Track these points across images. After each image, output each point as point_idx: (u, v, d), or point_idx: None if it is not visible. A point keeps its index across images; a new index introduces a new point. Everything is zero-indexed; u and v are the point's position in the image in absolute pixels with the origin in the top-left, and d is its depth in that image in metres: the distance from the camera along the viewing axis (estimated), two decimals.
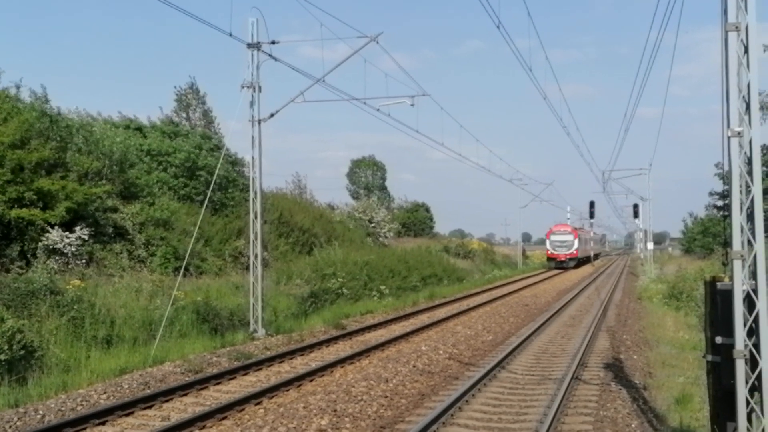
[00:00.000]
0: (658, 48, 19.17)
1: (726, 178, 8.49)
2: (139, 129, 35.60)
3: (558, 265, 73.71)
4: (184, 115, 48.86)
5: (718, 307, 8.51)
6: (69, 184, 23.09)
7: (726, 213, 8.56)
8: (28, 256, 20.97)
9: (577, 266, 75.93)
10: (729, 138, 8.33)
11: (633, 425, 11.77)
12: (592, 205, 66.19)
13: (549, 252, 76.35)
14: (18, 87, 26.09)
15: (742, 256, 8.26)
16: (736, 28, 8.36)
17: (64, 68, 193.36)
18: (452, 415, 12.38)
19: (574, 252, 75.34)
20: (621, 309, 31.71)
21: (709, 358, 8.59)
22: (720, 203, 70.34)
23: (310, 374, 15.87)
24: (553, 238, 76.03)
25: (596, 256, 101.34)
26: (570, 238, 75.43)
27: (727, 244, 8.42)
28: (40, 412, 12.37)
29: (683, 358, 18.11)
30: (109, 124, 34.68)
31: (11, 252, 20.57)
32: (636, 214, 67.36)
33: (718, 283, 8.57)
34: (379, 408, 12.94)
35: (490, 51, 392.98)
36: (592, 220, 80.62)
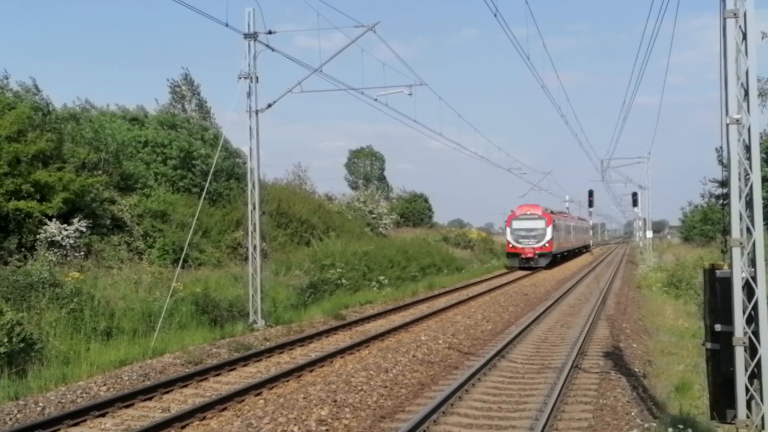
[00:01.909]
0: (656, 36, 19.10)
1: (725, 165, 8.46)
2: (136, 119, 35.55)
3: (523, 263, 51.89)
4: (179, 106, 48.74)
5: (717, 294, 8.50)
6: (66, 175, 23.06)
7: (725, 201, 8.54)
8: (27, 248, 20.94)
9: (551, 265, 53.75)
10: (728, 125, 8.30)
11: (633, 413, 11.78)
12: (591, 193, 66.12)
13: (510, 245, 53.45)
14: (6, 78, 26.03)
15: (741, 243, 8.24)
16: (735, 14, 8.32)
17: (55, 58, 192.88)
18: (452, 405, 12.39)
19: (546, 245, 52.31)
20: (620, 297, 31.75)
21: (709, 345, 8.59)
22: (719, 191, 70.43)
23: (310, 365, 15.89)
24: (516, 225, 53.44)
25: (584, 249, 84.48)
26: (540, 225, 52.78)
27: (726, 231, 8.40)
28: (41, 404, 12.38)
29: (683, 346, 18.13)
30: (107, 114, 34.63)
31: (9, 244, 20.54)
32: (635, 203, 67.33)
33: (717, 271, 8.55)
34: (379, 398, 12.95)
35: (487, 39, 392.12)
36: (591, 209, 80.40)
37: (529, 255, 51.76)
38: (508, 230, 53.68)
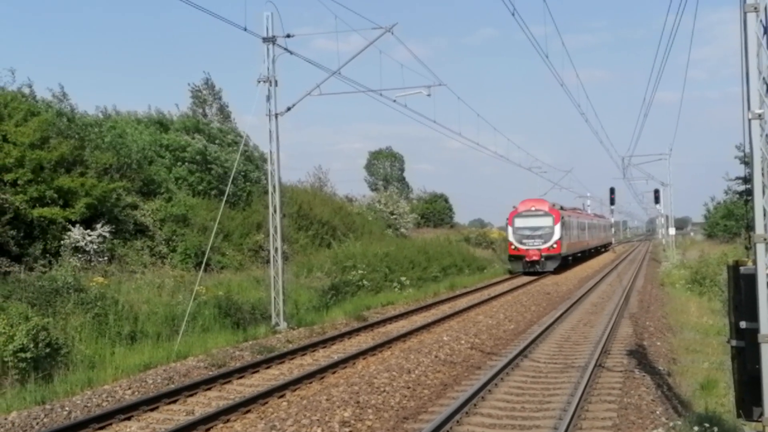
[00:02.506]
0: (676, 31, 18.96)
1: (746, 161, 8.38)
2: (161, 123, 35.83)
3: (527, 268, 44.83)
4: (201, 111, 49.03)
5: (741, 291, 8.42)
6: (88, 180, 23.30)
7: (748, 196, 8.46)
8: (51, 254, 21.17)
9: (561, 269, 47.02)
10: (750, 120, 8.22)
11: (657, 412, 11.70)
12: (612, 191, 65.91)
13: (512, 246, 45.87)
14: (30, 86, 26.32)
15: (765, 239, 8.16)
16: (755, 8, 8.24)
17: (77, 65, 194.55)
18: (475, 405, 12.37)
19: (554, 246, 45.02)
20: (643, 295, 31.53)
21: (734, 343, 8.51)
22: (741, 188, 69.78)
23: (333, 366, 15.92)
24: (519, 223, 45.88)
25: (603, 248, 77.97)
26: (546, 222, 45.45)
27: (749, 227, 8.32)
28: (67, 408, 12.51)
29: (707, 344, 17.98)
30: (132, 120, 34.91)
31: (34, 251, 20.77)
32: (657, 200, 66.87)
33: (741, 268, 8.47)
34: (402, 399, 12.96)
35: (504, 38, 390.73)
36: (613, 207, 79.86)
37: (535, 258, 44.63)
38: (510, 229, 46.13)
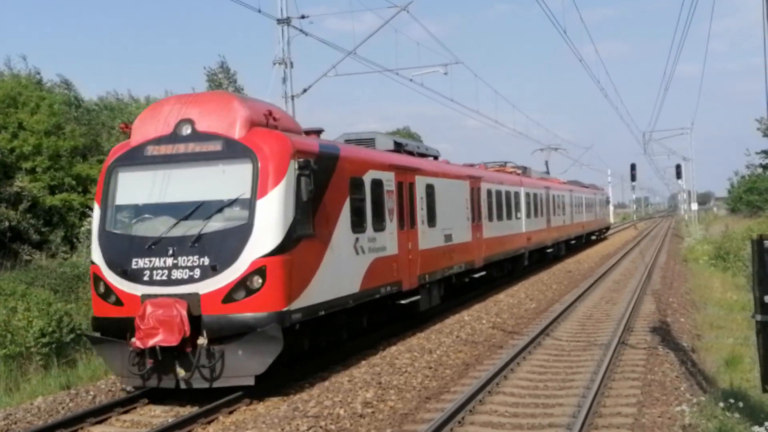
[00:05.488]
0: (696, 3, 18.66)
1: None
2: None
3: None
4: None
5: (766, 265, 8.30)
6: None
7: None
8: (71, 241, 21.33)
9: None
10: None
11: (682, 388, 11.60)
12: (633, 167, 65.27)
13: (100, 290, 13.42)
14: (39, 73, 26.46)
15: None
16: None
17: (88, 51, 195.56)
18: (498, 384, 12.32)
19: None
20: (666, 272, 31.28)
21: (758, 318, 8.40)
22: (765, 161, 69.04)
23: (354, 348, 15.89)
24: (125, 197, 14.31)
25: (584, 238, 48.26)
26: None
27: None
28: (91, 393, 12.62)
29: (732, 319, 17.81)
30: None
31: (55, 238, 20.93)
32: (679, 175, 66.27)
33: (765, 242, 8.35)
34: (424, 379, 12.93)
35: (521, 14, 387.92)
36: (633, 183, 79.12)
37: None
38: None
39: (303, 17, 21.18)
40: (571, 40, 26.04)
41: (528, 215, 30.55)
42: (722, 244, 34.33)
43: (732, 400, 9.55)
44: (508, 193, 27.78)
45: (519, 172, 32.47)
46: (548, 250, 35.19)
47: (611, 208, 75.83)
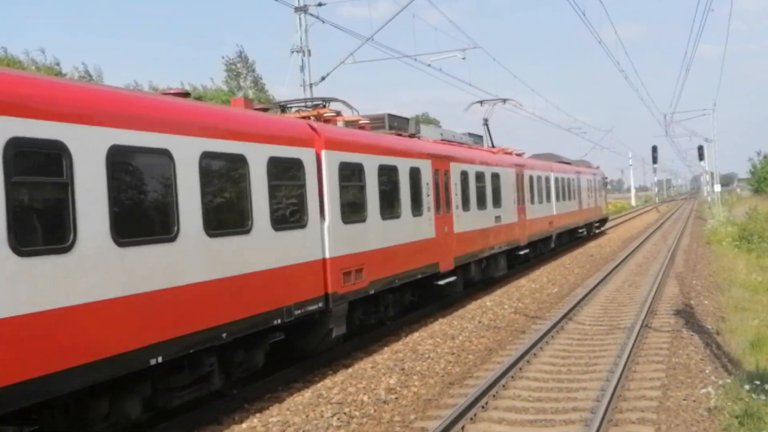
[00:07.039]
0: None
1: None
2: (200, 99, 36.17)
3: None
4: (235, 84, 49.14)
5: None
6: None
7: None
8: None
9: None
10: None
11: (707, 371, 11.54)
12: (654, 149, 64.73)
13: None
14: (58, 64, 26.65)
15: None
16: None
17: (108, 43, 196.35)
18: (521, 369, 12.32)
19: None
20: (689, 254, 31.05)
21: None
22: None
23: (377, 334, 15.94)
24: None
25: (571, 233, 36.15)
26: None
27: None
28: None
29: (757, 301, 17.67)
30: None
31: None
32: (701, 157, 65.60)
33: None
34: (447, 365, 12.96)
35: None
36: (655, 165, 78.45)
37: None
38: None
39: (320, 5, 21.18)
40: (590, 22, 25.68)
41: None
42: (746, 225, 34.02)
43: (758, 382, 9.49)
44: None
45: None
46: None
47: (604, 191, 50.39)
